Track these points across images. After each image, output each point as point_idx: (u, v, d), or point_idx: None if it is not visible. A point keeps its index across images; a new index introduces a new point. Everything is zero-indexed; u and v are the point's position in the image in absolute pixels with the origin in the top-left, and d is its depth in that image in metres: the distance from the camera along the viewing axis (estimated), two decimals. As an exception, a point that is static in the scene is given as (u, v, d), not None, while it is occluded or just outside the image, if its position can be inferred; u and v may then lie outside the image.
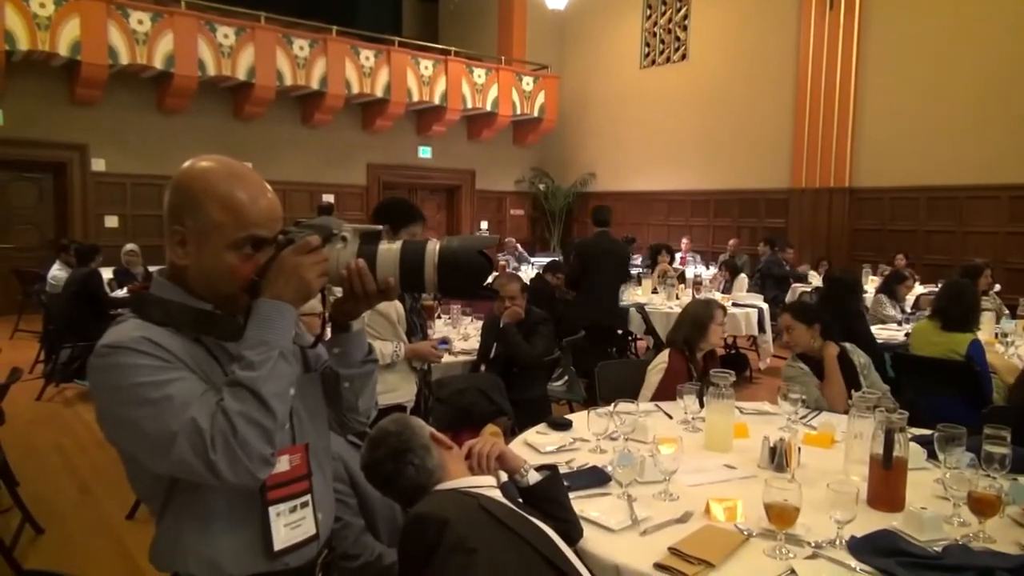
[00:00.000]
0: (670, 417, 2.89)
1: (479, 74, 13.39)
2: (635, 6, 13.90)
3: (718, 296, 7.12)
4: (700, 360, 3.43)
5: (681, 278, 8.38)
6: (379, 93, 12.20)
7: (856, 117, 10.77)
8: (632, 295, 7.32)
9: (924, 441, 2.37)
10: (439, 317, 5.24)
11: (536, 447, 2.53)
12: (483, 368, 4.18)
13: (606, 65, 14.42)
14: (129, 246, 8.53)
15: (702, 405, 2.71)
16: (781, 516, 1.71)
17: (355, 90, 11.93)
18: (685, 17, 13.20)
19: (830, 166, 11.04)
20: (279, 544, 1.28)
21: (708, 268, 10.57)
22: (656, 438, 2.34)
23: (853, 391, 2.81)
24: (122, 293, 7.24)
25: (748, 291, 8.01)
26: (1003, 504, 1.86)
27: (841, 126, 10.87)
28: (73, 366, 6.17)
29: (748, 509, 1.92)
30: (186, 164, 1.28)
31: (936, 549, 1.73)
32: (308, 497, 1.33)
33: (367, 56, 12.03)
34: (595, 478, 2.18)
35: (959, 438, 2.03)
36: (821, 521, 1.80)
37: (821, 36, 10.96)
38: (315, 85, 11.50)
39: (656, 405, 3.04)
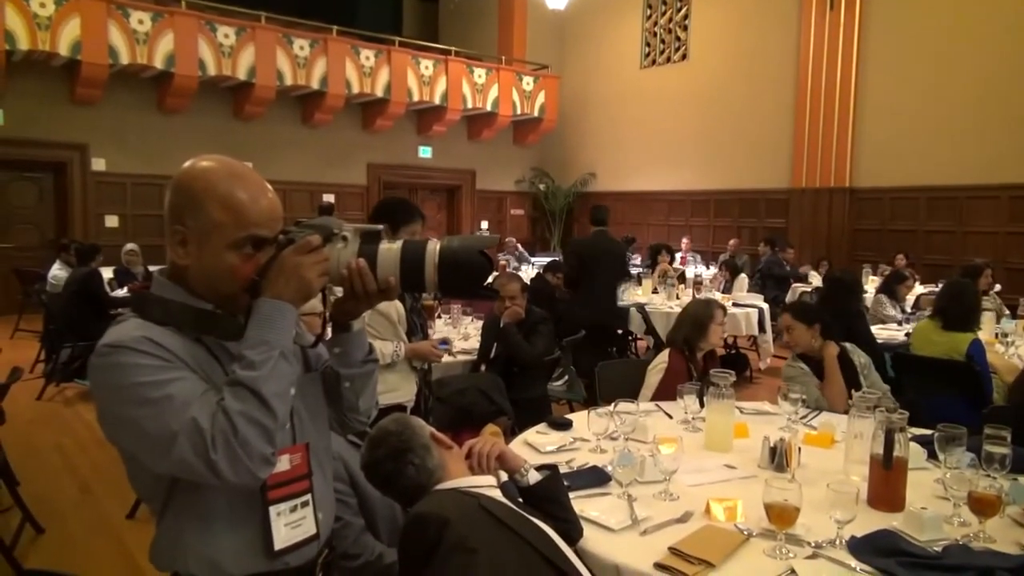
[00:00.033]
0: (670, 417, 2.89)
1: (479, 74, 13.39)
2: (635, 6, 13.90)
3: (718, 296, 7.12)
4: (700, 360, 3.43)
5: (681, 278, 8.39)
6: (379, 93, 12.20)
7: (856, 117, 10.78)
8: (632, 295, 7.32)
9: (924, 441, 2.37)
10: (439, 317, 5.24)
11: (536, 447, 2.53)
12: (483, 368, 4.18)
13: (606, 65, 14.42)
14: (129, 246, 8.53)
15: (702, 405, 2.71)
16: (781, 516, 1.71)
17: (355, 90, 11.93)
18: (685, 17, 13.20)
19: (830, 166, 11.05)
20: (279, 543, 1.28)
21: (708, 268, 10.57)
22: (656, 438, 2.34)
23: (853, 391, 2.82)
24: (122, 293, 7.25)
25: (748, 291, 8.01)
26: (1003, 504, 1.86)
27: (841, 126, 10.87)
28: (73, 366, 6.17)
29: (748, 509, 1.92)
30: (187, 164, 1.28)
31: (936, 549, 1.73)
32: (308, 497, 1.33)
33: (367, 56, 12.04)
34: (595, 478, 2.18)
35: (959, 438, 2.03)
36: (821, 521, 1.80)
37: (821, 36, 10.96)
38: (315, 85, 11.50)
39: (656, 405, 3.04)
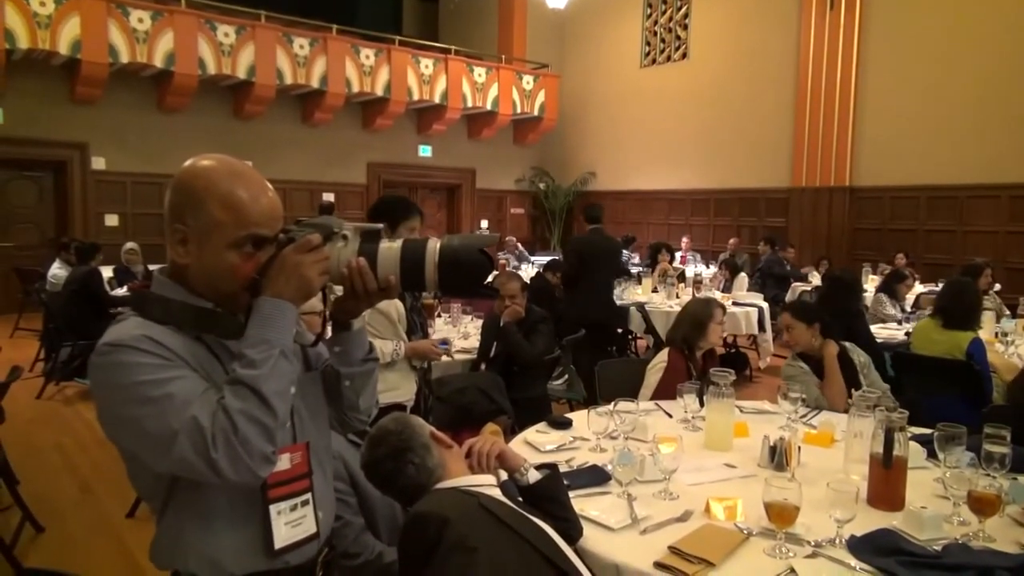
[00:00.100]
0: (670, 416, 2.89)
1: (479, 73, 13.39)
2: (635, 5, 13.90)
3: (718, 295, 7.12)
4: (699, 359, 3.43)
5: (681, 277, 8.39)
6: (379, 92, 12.20)
7: (856, 117, 10.78)
8: (632, 294, 7.33)
9: (924, 440, 2.37)
10: (439, 316, 5.24)
11: (536, 446, 2.53)
12: (483, 367, 4.18)
13: (606, 64, 14.42)
14: (129, 244, 8.53)
15: (702, 404, 2.71)
16: (781, 515, 1.71)
17: (355, 89, 11.93)
18: (686, 16, 13.20)
19: (830, 165, 11.05)
20: (280, 542, 1.28)
21: (708, 267, 10.57)
22: (656, 437, 2.34)
23: (853, 390, 2.82)
24: (122, 291, 7.25)
25: (748, 290, 8.01)
26: (1003, 503, 1.86)
27: (841, 126, 10.87)
28: (73, 364, 6.17)
29: (748, 508, 1.92)
30: (187, 163, 1.28)
31: (936, 548, 1.74)
32: (309, 495, 1.33)
33: (367, 55, 12.03)
34: (595, 477, 2.18)
35: (959, 437, 2.03)
36: (821, 520, 1.80)
37: (821, 36, 10.96)
38: (315, 84, 11.50)
39: (656, 404, 3.04)
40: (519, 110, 14.03)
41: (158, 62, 10.05)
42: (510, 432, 3.18)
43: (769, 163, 11.80)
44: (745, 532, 1.82)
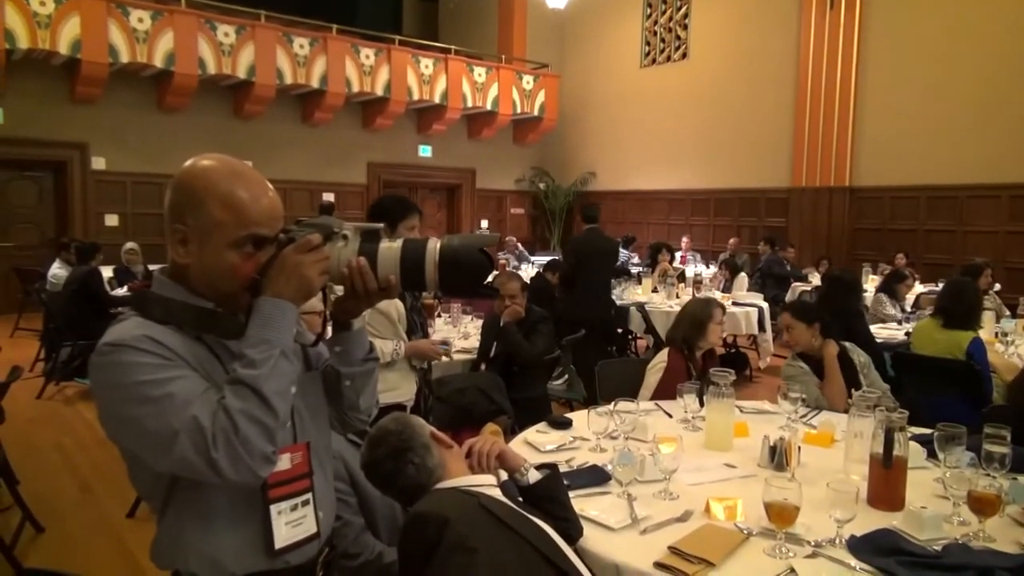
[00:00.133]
0: (670, 416, 2.89)
1: (479, 73, 13.39)
2: (635, 5, 13.90)
3: (718, 295, 7.12)
4: (699, 359, 3.43)
5: (681, 277, 8.39)
6: (379, 92, 12.20)
7: (856, 116, 10.78)
8: (632, 294, 7.33)
9: (924, 440, 2.37)
10: (439, 316, 5.24)
11: (536, 446, 2.53)
12: (483, 367, 4.18)
13: (606, 64, 14.42)
14: (129, 244, 8.54)
15: (702, 404, 2.71)
16: (781, 515, 1.71)
17: (355, 89, 11.93)
18: (685, 16, 13.20)
19: (830, 165, 11.05)
20: (280, 542, 1.28)
21: (708, 267, 10.57)
22: (656, 437, 2.34)
23: (853, 390, 2.82)
24: (122, 291, 7.25)
25: (748, 290, 8.01)
26: (1003, 503, 1.86)
27: (841, 125, 10.87)
28: (73, 364, 6.18)
29: (748, 508, 1.92)
30: (187, 163, 1.28)
31: (936, 548, 1.74)
32: (309, 495, 1.33)
33: (367, 55, 12.03)
34: (595, 477, 2.18)
35: (959, 437, 2.03)
36: (821, 520, 1.80)
37: (821, 36, 10.96)
38: (315, 84, 11.50)
39: (656, 404, 3.04)
40: (519, 110, 14.03)
41: (158, 62, 10.05)
42: (510, 432, 3.18)
43: (769, 163, 11.80)
44: (745, 532, 1.82)
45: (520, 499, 1.75)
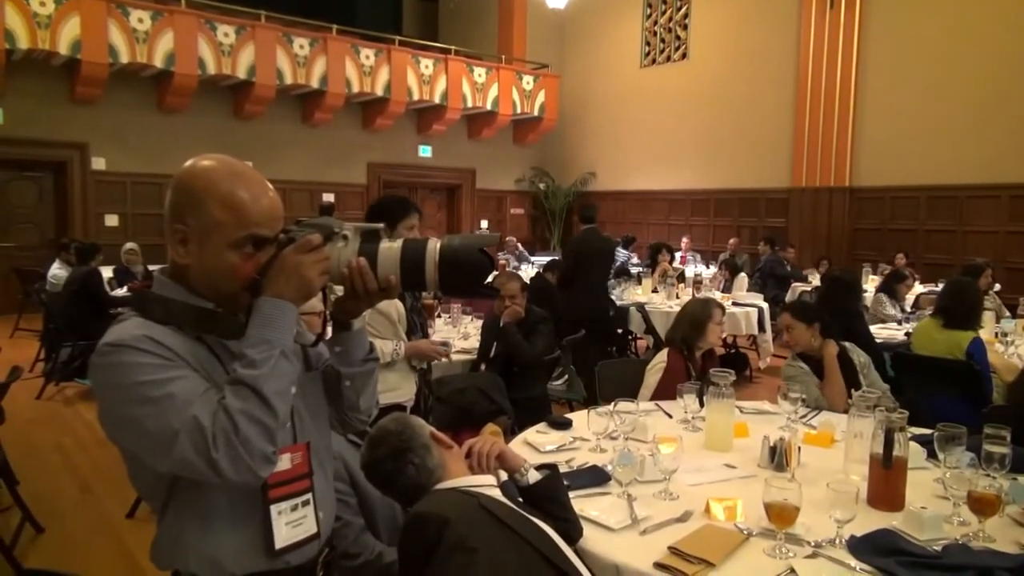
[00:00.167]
0: (670, 416, 2.89)
1: (479, 73, 13.39)
2: (635, 5, 13.90)
3: (718, 295, 7.12)
4: (699, 359, 3.43)
5: (681, 277, 8.39)
6: (379, 92, 12.20)
7: (856, 117, 10.78)
8: (632, 294, 7.33)
9: (924, 440, 2.37)
10: (439, 316, 5.24)
11: (536, 446, 2.53)
12: (483, 367, 4.18)
13: (606, 64, 14.42)
14: (129, 245, 8.54)
15: (702, 404, 2.72)
16: (781, 515, 1.71)
17: (355, 89, 11.93)
18: (685, 16, 13.20)
19: (830, 165, 11.05)
20: (280, 542, 1.28)
21: (708, 267, 10.57)
22: (656, 437, 2.34)
23: (853, 390, 2.82)
24: (122, 292, 7.25)
25: (748, 290, 8.02)
26: (1003, 504, 1.86)
27: (841, 126, 10.88)
28: (73, 365, 6.18)
29: (748, 508, 1.92)
30: (188, 163, 1.28)
31: (936, 548, 1.74)
32: (309, 496, 1.34)
33: (367, 55, 12.03)
34: (595, 477, 2.18)
35: (959, 437, 2.03)
36: (821, 520, 1.80)
37: (821, 36, 10.96)
38: (315, 84, 11.50)
39: (656, 404, 3.04)
40: (519, 110, 14.03)
41: (158, 62, 10.05)
42: (510, 432, 3.18)
43: (769, 163, 11.80)
44: (745, 532, 1.82)
45: (520, 499, 1.75)
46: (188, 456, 1.11)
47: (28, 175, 10.54)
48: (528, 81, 14.13)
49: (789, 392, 2.64)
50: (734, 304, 7.01)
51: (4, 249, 10.20)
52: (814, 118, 11.10)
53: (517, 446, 2.50)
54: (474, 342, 4.47)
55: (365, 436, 1.77)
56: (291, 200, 11.63)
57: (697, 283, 7.68)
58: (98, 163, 10.57)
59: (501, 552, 1.48)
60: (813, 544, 1.76)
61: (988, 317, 4.94)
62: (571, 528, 1.76)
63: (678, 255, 10.67)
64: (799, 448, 2.40)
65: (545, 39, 14.69)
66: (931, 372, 3.96)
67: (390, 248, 1.28)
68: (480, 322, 4.74)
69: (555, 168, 15.08)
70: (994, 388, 3.88)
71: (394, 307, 3.08)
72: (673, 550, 1.71)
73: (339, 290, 1.34)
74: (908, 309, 6.40)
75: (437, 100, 12.93)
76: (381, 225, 1.33)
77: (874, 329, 5.15)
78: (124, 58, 9.78)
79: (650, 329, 6.52)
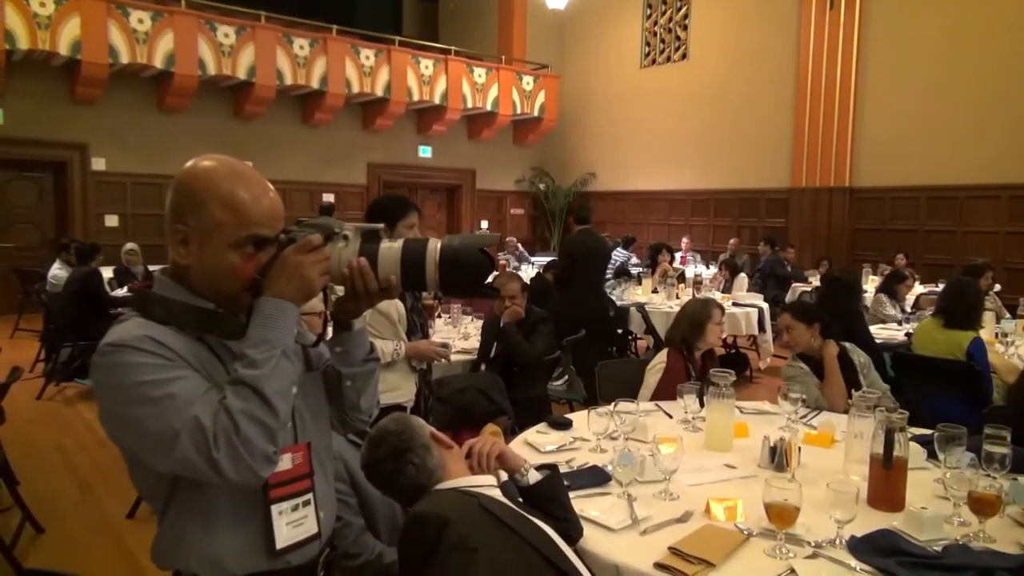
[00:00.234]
0: (670, 417, 2.89)
1: (479, 73, 13.39)
2: (635, 6, 13.91)
3: (718, 296, 7.12)
4: (698, 359, 3.43)
5: (681, 278, 8.39)
6: (379, 92, 12.20)
7: (856, 117, 10.78)
8: (632, 295, 7.33)
9: (924, 441, 2.37)
10: (439, 316, 5.24)
11: (536, 446, 2.53)
12: (483, 367, 4.18)
13: (606, 65, 14.42)
14: (129, 245, 8.54)
15: (702, 405, 2.72)
16: (781, 516, 1.71)
17: (355, 89, 11.93)
18: (685, 17, 13.20)
19: (830, 166, 11.05)
20: (281, 542, 1.28)
21: (708, 267, 10.57)
22: (656, 437, 2.34)
23: (853, 391, 2.82)
24: (122, 292, 7.25)
25: (748, 290, 8.01)
26: (1003, 504, 1.86)
27: (841, 126, 10.88)
28: (73, 365, 6.18)
29: (748, 509, 1.92)
30: (188, 163, 1.28)
31: (936, 549, 1.74)
32: (310, 496, 1.34)
33: (367, 55, 12.04)
34: (595, 477, 2.18)
35: (959, 438, 2.03)
36: (821, 521, 1.80)
37: (821, 36, 10.96)
38: (315, 84, 11.50)
39: (656, 404, 3.04)
40: (519, 111, 14.04)
41: (158, 63, 10.05)
42: (510, 433, 3.18)
43: (769, 163, 11.80)
44: (745, 533, 1.82)
45: (520, 500, 1.75)
46: (189, 456, 1.11)
47: (28, 175, 10.54)
48: (528, 81, 14.13)
49: (789, 392, 2.64)
50: (734, 304, 7.01)
51: (4, 249, 10.20)
52: (814, 118, 11.11)
53: (517, 446, 2.51)
54: (474, 342, 4.47)
55: (365, 436, 1.77)
56: (291, 200, 11.63)
57: (697, 283, 7.68)
58: (98, 163, 10.57)
59: (501, 552, 1.48)
60: (813, 544, 1.76)
61: (988, 317, 4.94)
62: (571, 528, 1.76)
63: (678, 255, 10.67)
64: (799, 448, 2.40)
65: (545, 39, 14.69)
66: (931, 372, 3.96)
67: (390, 248, 1.29)
68: (480, 322, 4.75)
69: (555, 168, 15.08)
70: (994, 388, 3.88)
71: (394, 307, 3.08)
72: (673, 550, 1.71)
73: (340, 290, 1.34)
74: (908, 309, 6.40)
75: (437, 100, 12.93)
76: (381, 225, 1.34)
77: (874, 329, 5.15)
78: (124, 58, 9.78)
79: (650, 329, 6.53)
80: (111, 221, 10.73)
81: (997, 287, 7.42)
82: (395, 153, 13.45)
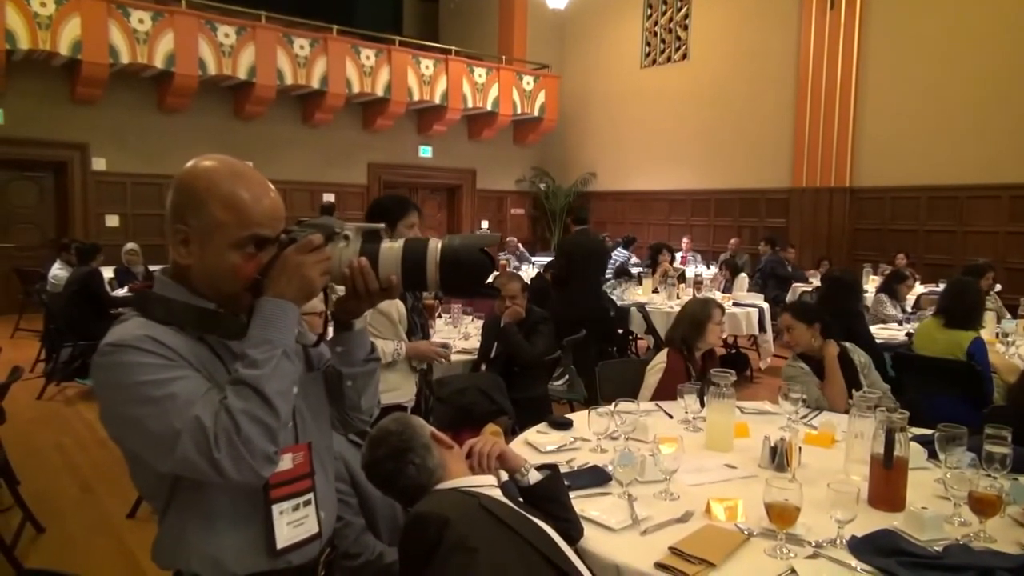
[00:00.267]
0: (671, 417, 2.89)
1: (480, 73, 13.39)
2: (636, 5, 13.90)
3: (719, 296, 7.12)
4: (699, 359, 3.43)
5: (682, 277, 8.39)
6: (380, 92, 12.20)
7: (857, 117, 10.78)
8: (633, 294, 7.33)
9: (925, 441, 2.37)
10: (440, 316, 5.24)
11: (537, 446, 2.53)
12: (484, 367, 4.18)
13: (606, 65, 14.42)
14: (130, 245, 8.54)
15: (703, 404, 2.72)
16: (782, 516, 1.71)
17: (356, 89, 11.93)
18: (686, 16, 13.20)
19: (831, 165, 11.05)
20: (282, 542, 1.28)
21: (709, 267, 10.57)
22: (657, 437, 2.35)
23: (854, 391, 2.82)
24: (123, 292, 7.25)
25: (749, 290, 8.01)
26: (1004, 504, 1.86)
27: (842, 126, 10.88)
28: (74, 365, 6.18)
29: (749, 509, 1.92)
30: (189, 163, 1.28)
31: (937, 549, 1.74)
32: (311, 495, 1.34)
33: (368, 55, 12.04)
34: (596, 477, 2.18)
35: (960, 438, 2.03)
36: (822, 521, 1.80)
37: (822, 35, 10.96)
38: (316, 84, 11.50)
39: (657, 404, 3.04)
40: (519, 110, 14.04)
41: (158, 63, 10.06)
42: (511, 433, 3.18)
43: (769, 163, 11.80)
44: (746, 533, 1.82)
45: (521, 500, 1.75)
46: (190, 456, 1.11)
47: (28, 175, 10.55)
48: (528, 81, 14.13)
49: (790, 392, 2.64)
50: (734, 304, 7.01)
51: (4, 249, 10.20)
52: (814, 118, 11.10)
53: (518, 446, 2.51)
54: (475, 342, 4.47)
55: (366, 436, 1.77)
56: (292, 200, 11.62)
57: (697, 283, 7.67)
58: (98, 163, 10.57)
59: (501, 552, 1.48)
60: (814, 544, 1.76)
61: (989, 317, 4.94)
62: (572, 528, 1.76)
63: (678, 255, 10.67)
64: (800, 448, 2.39)
65: (545, 39, 14.69)
66: (932, 372, 3.96)
67: (391, 248, 1.29)
68: (480, 322, 4.74)
69: (555, 168, 15.08)
70: (995, 388, 3.88)
71: (395, 307, 3.08)
72: (674, 550, 1.71)
73: (340, 290, 1.34)
74: (909, 309, 6.40)
75: (437, 100, 12.93)
76: (382, 225, 1.34)
77: (875, 329, 5.15)
78: (124, 59, 9.78)
79: (651, 329, 6.52)
80: (111, 221, 10.73)
81: (998, 287, 7.42)
82: (395, 153, 13.45)
